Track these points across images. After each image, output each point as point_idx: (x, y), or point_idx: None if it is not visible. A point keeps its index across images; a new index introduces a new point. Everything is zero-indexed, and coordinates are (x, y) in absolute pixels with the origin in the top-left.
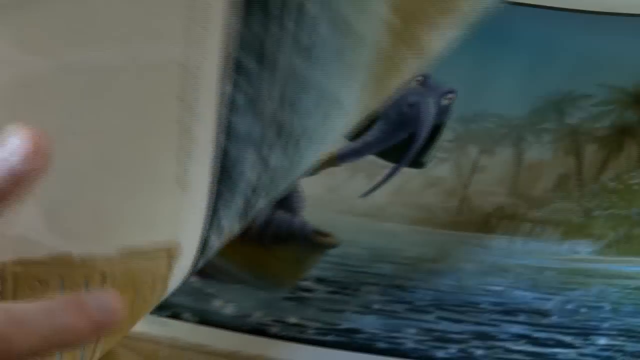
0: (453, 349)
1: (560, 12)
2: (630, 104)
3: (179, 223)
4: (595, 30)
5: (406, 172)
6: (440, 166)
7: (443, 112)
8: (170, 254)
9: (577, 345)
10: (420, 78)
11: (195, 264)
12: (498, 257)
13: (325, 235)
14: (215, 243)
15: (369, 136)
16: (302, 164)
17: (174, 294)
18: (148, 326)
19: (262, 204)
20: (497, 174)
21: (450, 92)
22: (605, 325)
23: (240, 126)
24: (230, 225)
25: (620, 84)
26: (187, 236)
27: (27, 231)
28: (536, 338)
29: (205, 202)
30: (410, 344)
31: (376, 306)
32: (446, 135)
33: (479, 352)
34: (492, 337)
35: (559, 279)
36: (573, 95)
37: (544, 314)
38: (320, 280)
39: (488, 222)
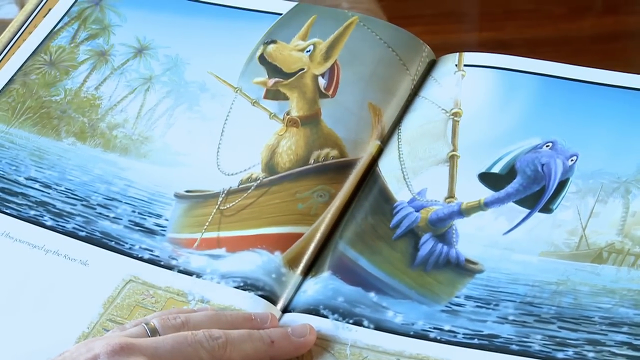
0: (570, 351)
1: None
2: None
3: None
4: None
5: (538, 215)
6: (565, 212)
7: (568, 170)
8: None
9: None
10: (550, 143)
11: None
12: (607, 282)
13: (474, 263)
14: None
15: (510, 188)
16: None
17: (357, 307)
18: (337, 331)
19: None
20: (609, 219)
21: (574, 155)
22: None
23: None
24: None
25: None
26: None
27: None
28: (636, 345)
29: None
30: (537, 347)
31: (511, 317)
32: (570, 188)
33: (591, 354)
34: (601, 344)
35: None
36: None
37: None
38: (469, 297)
39: (600, 255)
